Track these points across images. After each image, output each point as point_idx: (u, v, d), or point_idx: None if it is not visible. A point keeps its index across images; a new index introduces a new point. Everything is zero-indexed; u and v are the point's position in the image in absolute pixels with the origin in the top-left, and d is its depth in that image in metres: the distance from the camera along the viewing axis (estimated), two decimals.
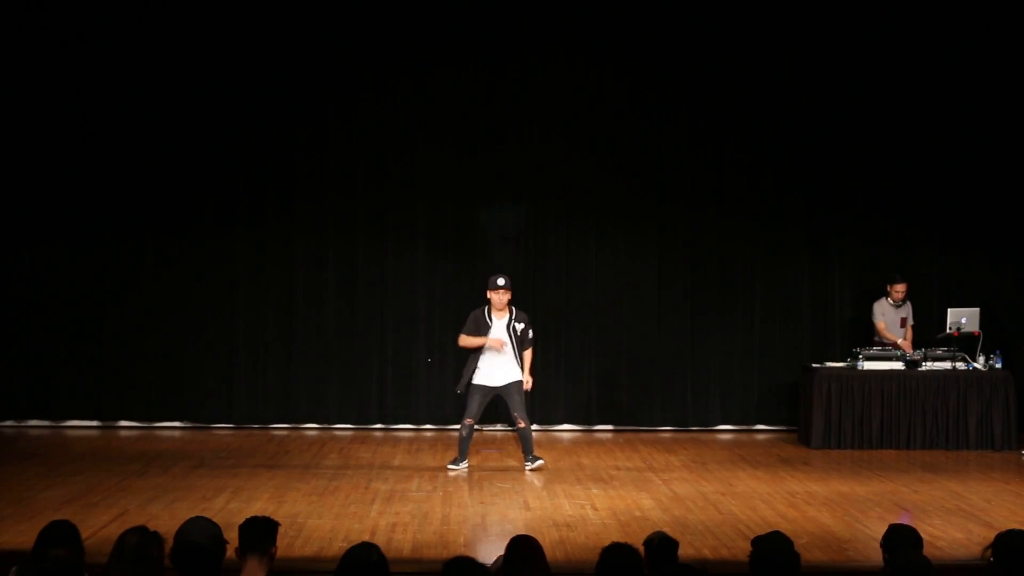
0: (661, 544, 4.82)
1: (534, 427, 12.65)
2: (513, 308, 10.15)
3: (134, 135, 12.40)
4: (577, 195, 12.69)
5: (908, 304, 12.12)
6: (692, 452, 11.28)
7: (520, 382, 10.11)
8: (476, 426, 12.62)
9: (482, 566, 4.26)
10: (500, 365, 10.05)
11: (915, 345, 11.89)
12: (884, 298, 12.10)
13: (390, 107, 12.60)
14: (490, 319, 10.11)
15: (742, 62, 12.69)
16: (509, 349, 10.04)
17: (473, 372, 10.08)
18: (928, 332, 12.13)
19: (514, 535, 4.88)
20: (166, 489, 8.94)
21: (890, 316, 12.05)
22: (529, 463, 10.18)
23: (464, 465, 10.16)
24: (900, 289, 11.98)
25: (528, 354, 10.18)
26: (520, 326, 10.08)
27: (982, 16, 12.52)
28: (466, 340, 10.15)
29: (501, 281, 10.09)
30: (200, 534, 4.47)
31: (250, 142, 12.50)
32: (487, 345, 9.99)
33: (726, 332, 12.81)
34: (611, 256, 12.67)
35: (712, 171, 12.78)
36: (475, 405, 10.08)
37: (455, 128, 12.63)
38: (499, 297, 10.05)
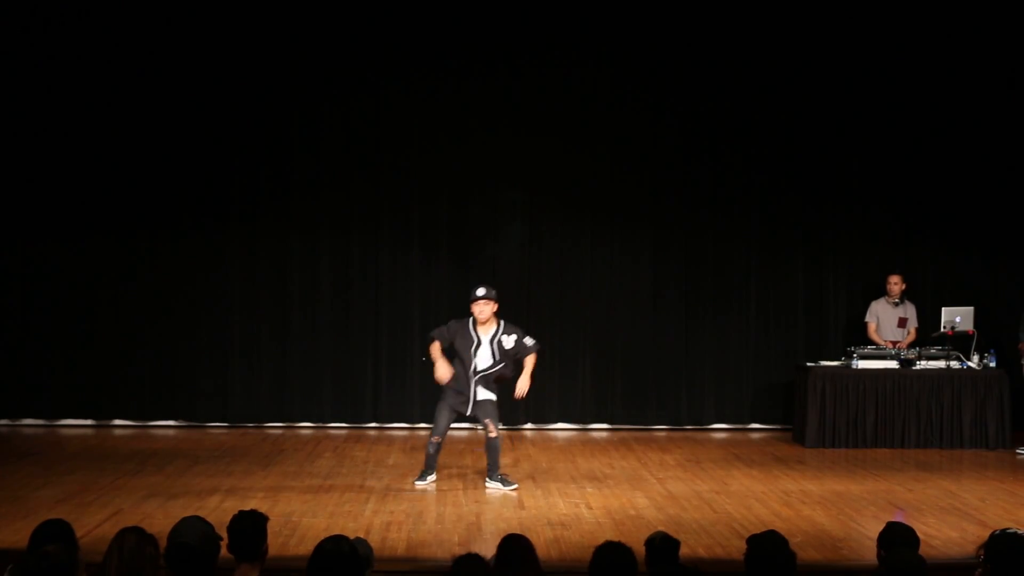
0: (663, 543, 4.82)
1: (528, 426, 12.70)
2: (502, 322, 9.12)
3: (127, 134, 12.38)
4: (572, 194, 12.69)
5: (910, 305, 12.08)
6: (687, 451, 11.28)
7: (490, 401, 9.12)
8: (473, 425, 12.69)
9: (487, 564, 4.25)
10: (469, 390, 9.07)
11: (909, 344, 11.89)
12: (883, 297, 12.10)
13: (384, 105, 12.59)
14: (475, 333, 9.05)
15: (738, 60, 12.69)
16: (470, 380, 9.01)
17: (451, 385, 9.13)
18: (923, 331, 12.14)
19: (505, 534, 4.87)
20: (160, 488, 8.92)
21: (887, 315, 12.04)
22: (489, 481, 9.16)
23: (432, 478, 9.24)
24: (894, 280, 11.96)
25: (530, 360, 9.16)
26: (511, 338, 9.05)
27: (979, 14, 12.53)
28: (434, 350, 9.11)
29: (480, 291, 9.00)
30: (193, 534, 4.46)
31: (243, 141, 12.49)
32: (436, 370, 9.01)
33: (721, 331, 12.81)
34: (606, 255, 12.66)
35: (707, 170, 12.79)
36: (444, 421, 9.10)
37: (449, 126, 12.63)
38: (478, 309, 8.99)
